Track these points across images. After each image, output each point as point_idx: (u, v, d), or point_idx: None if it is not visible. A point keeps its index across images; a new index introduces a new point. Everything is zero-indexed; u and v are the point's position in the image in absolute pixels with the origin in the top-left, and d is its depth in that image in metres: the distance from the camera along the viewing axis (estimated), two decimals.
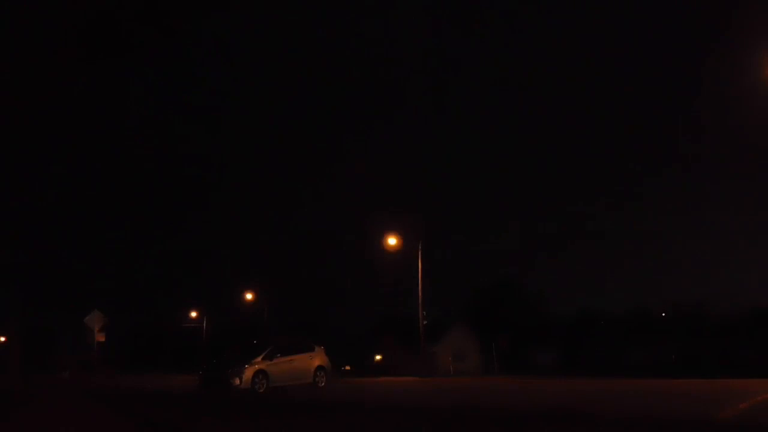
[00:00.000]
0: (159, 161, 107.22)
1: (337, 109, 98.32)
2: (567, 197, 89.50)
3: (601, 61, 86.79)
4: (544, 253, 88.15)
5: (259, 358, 18.85)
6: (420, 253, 35.66)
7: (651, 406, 11.31)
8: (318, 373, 19.99)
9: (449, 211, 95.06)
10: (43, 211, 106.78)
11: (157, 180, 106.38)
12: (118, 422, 10.35)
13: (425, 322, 36.24)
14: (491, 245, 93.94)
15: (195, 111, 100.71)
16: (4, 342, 62.55)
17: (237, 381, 18.12)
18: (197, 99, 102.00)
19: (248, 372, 18.32)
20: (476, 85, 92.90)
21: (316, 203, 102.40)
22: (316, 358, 20.29)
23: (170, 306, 67.40)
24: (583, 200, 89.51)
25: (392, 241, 35.87)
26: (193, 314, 60.72)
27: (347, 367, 48.93)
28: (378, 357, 52.18)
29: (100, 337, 31.88)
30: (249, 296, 51.42)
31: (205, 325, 59.04)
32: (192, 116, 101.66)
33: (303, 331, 54.02)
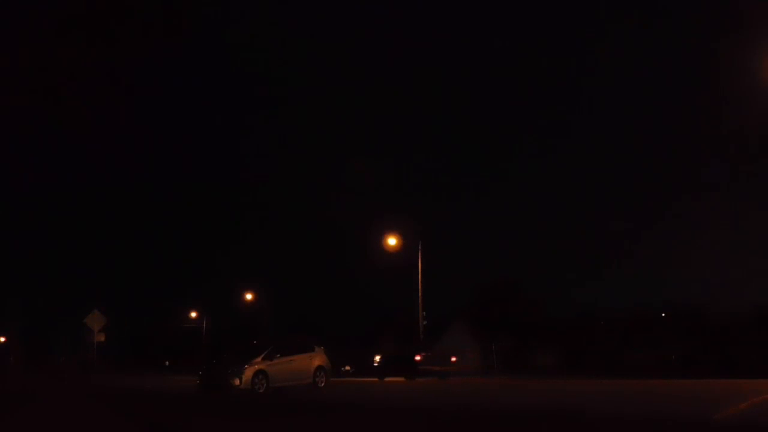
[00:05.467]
0: (159, 161, 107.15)
1: (337, 106, 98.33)
2: (567, 197, 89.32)
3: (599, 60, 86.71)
4: (545, 253, 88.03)
5: (259, 359, 18.86)
6: (420, 253, 35.70)
7: (650, 406, 11.33)
8: (318, 374, 20.00)
9: (450, 211, 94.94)
10: (43, 210, 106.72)
11: (156, 180, 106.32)
12: (119, 423, 10.36)
13: (425, 322, 36.24)
14: (492, 244, 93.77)
15: (196, 111, 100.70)
16: (4, 342, 62.55)
17: (237, 381, 18.13)
18: (198, 100, 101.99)
19: (248, 372, 18.33)
20: (475, 85, 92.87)
21: (316, 203, 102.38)
22: (316, 359, 20.30)
23: (170, 306, 67.26)
24: (582, 200, 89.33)
25: (392, 241, 35.92)
26: (193, 314, 60.71)
27: (347, 368, 48.93)
28: (377, 357, 52.17)
29: (100, 337, 31.90)
30: (249, 296, 51.46)
31: (205, 325, 59.04)
32: (193, 117, 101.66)
33: (303, 331, 54.04)
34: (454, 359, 31.50)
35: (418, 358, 29.73)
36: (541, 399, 13.97)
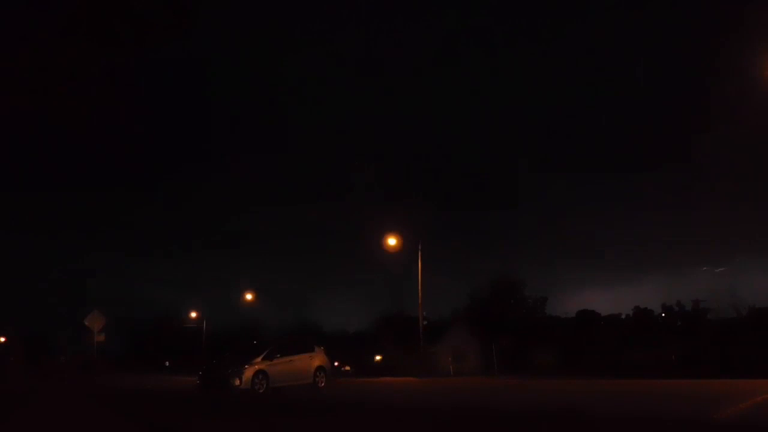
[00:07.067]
0: (159, 160, 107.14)
1: (337, 106, 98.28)
2: (567, 197, 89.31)
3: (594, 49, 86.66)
4: (544, 253, 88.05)
5: (259, 359, 18.87)
6: (420, 253, 35.70)
7: (650, 406, 11.33)
8: (318, 374, 20.02)
9: (449, 211, 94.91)
10: (43, 210, 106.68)
11: (156, 179, 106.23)
12: (119, 423, 10.36)
13: (425, 323, 36.23)
14: (491, 244, 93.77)
15: (196, 110, 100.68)
16: (4, 342, 62.52)
17: (237, 381, 18.14)
18: (198, 100, 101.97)
19: (248, 372, 18.34)
20: (476, 84, 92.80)
21: (316, 202, 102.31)
22: (316, 359, 20.32)
23: (170, 306, 67.38)
24: (582, 200, 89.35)
25: (392, 241, 35.92)
26: (193, 314, 60.72)
27: (347, 368, 48.98)
28: (378, 357, 52.23)
29: (100, 338, 31.90)
30: (249, 296, 51.46)
31: (205, 325, 59.04)
32: (192, 116, 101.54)
33: (303, 331, 54.03)
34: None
35: None
36: (542, 399, 13.96)
